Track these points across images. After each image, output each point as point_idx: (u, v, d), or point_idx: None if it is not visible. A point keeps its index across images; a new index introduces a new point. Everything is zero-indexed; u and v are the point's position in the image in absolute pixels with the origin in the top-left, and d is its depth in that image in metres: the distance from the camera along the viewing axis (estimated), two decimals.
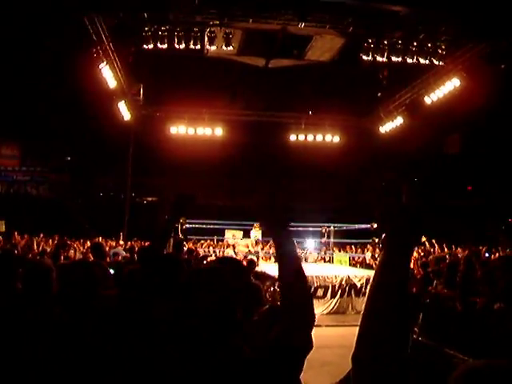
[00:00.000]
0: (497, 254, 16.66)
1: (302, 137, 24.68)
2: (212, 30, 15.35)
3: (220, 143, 24.31)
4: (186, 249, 14.55)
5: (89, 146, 28.85)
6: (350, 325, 13.54)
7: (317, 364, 8.11)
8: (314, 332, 2.30)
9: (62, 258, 11.38)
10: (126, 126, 22.50)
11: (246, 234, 21.31)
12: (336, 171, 28.81)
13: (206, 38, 15.47)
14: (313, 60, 18.51)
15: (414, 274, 13.43)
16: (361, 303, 15.69)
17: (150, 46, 15.28)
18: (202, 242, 22.67)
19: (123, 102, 20.14)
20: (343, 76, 20.13)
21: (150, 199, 33.64)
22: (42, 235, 18.12)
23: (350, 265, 20.27)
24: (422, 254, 17.23)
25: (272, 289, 11.60)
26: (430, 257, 15.52)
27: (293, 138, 24.85)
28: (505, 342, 9.73)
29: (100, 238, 19.50)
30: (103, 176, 33.03)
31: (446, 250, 17.11)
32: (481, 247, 16.75)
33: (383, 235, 1.73)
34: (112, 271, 5.33)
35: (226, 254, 21.37)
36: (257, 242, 20.99)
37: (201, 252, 19.31)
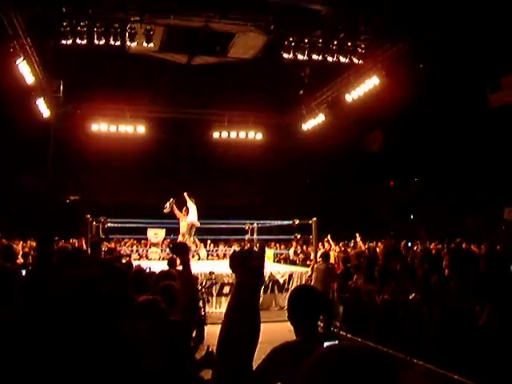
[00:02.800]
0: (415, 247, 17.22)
1: (225, 134, 24.66)
2: (132, 26, 15.13)
3: (142, 141, 24.06)
4: (106, 248, 14.39)
5: (7, 145, 28.03)
6: (273, 321, 13.65)
7: None
8: None
9: None
10: (45, 123, 21.90)
11: (169, 233, 21.08)
12: (259, 168, 28.99)
13: (127, 35, 15.23)
14: (236, 57, 18.58)
15: (335, 269, 13.71)
16: (284, 299, 15.89)
17: (69, 42, 14.92)
18: (126, 240, 22.44)
19: (42, 98, 19.60)
20: (266, 73, 20.25)
21: (72, 198, 33.00)
22: None
23: (274, 261, 20.45)
24: (343, 248, 17.57)
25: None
26: (352, 252, 15.86)
27: (216, 135, 24.79)
28: (417, 329, 10.08)
29: (21, 241, 19.01)
30: (23, 175, 32.12)
31: (359, 244, 17.44)
32: (403, 241, 17.19)
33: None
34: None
35: (150, 253, 21.22)
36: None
37: (123, 251, 19.10)
